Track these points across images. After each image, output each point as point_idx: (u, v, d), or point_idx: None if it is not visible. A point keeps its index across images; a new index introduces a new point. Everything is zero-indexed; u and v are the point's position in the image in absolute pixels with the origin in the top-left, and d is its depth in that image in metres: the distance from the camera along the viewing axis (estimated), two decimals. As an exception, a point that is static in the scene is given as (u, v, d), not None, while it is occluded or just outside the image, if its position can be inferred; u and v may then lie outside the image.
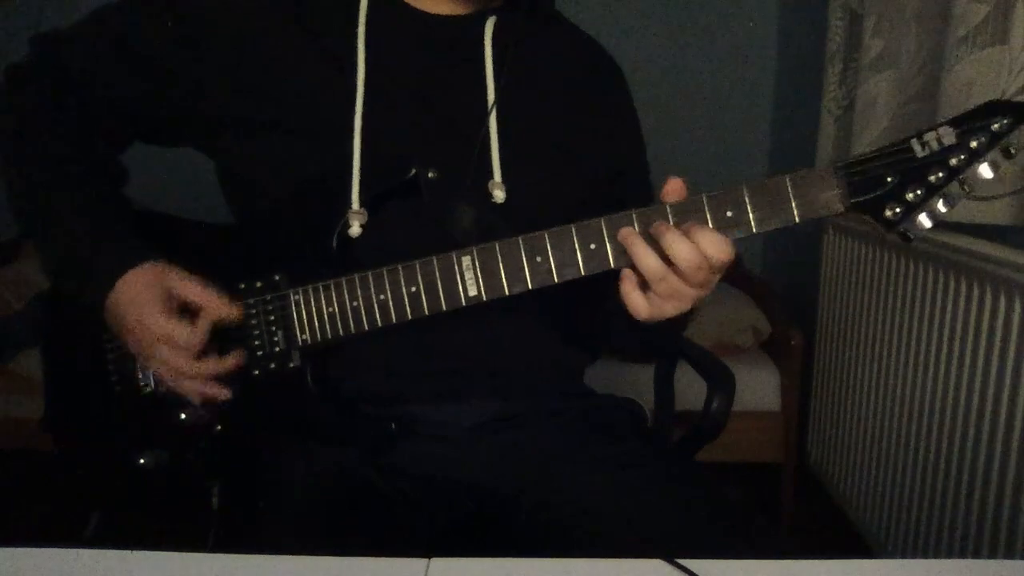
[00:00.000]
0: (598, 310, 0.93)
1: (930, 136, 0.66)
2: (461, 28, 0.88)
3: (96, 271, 0.82)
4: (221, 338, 0.82)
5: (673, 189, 0.70)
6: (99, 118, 0.89)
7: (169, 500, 0.90)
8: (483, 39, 0.87)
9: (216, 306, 0.81)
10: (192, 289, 0.81)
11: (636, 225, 0.71)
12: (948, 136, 0.66)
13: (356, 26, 0.84)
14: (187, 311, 0.81)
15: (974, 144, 0.65)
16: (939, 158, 0.66)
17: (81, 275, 0.83)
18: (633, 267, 0.70)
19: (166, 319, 0.79)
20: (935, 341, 1.49)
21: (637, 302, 0.70)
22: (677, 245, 0.66)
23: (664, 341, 0.91)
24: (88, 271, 0.82)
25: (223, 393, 0.83)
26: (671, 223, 0.69)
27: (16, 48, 0.91)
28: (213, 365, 0.81)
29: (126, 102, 0.88)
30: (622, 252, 0.71)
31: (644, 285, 0.70)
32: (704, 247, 0.66)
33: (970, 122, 0.65)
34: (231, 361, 0.82)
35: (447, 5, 0.88)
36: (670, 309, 0.70)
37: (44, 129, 0.87)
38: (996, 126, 0.64)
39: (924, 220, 0.68)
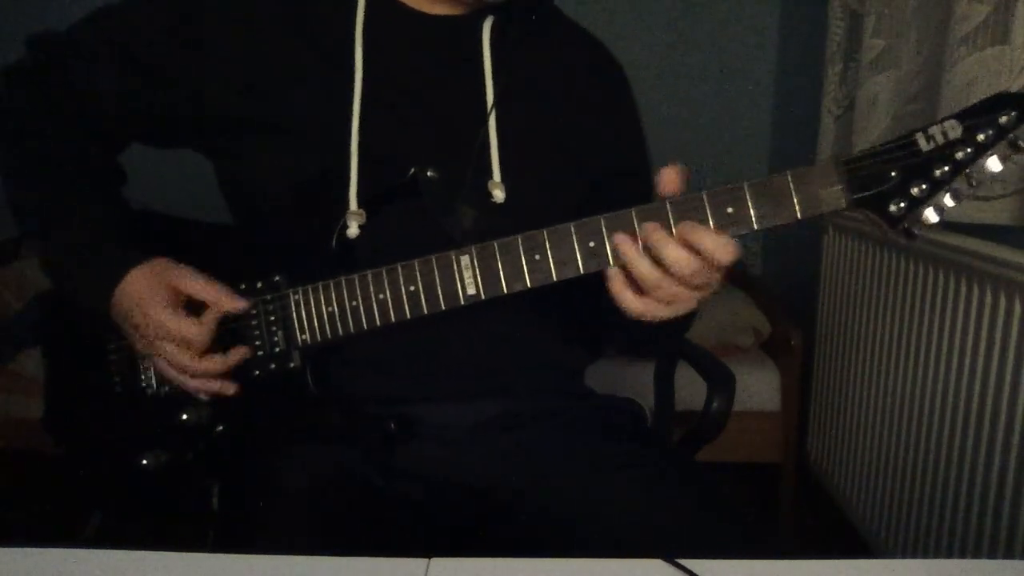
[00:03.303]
0: (597, 308, 0.93)
1: (935, 130, 0.65)
2: (459, 28, 0.88)
3: (99, 270, 0.82)
4: (221, 339, 0.82)
5: (669, 180, 0.68)
6: (97, 119, 0.89)
7: (169, 500, 0.90)
8: (481, 39, 0.87)
9: (221, 301, 0.80)
10: (197, 285, 0.81)
11: (636, 223, 0.70)
12: (954, 130, 0.64)
13: (353, 27, 0.84)
14: (192, 307, 0.81)
15: (981, 138, 0.63)
16: (944, 152, 0.64)
17: (83, 275, 0.83)
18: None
19: (171, 316, 0.79)
20: (935, 341, 1.48)
21: (630, 301, 0.69)
22: (670, 251, 0.65)
23: (663, 341, 0.90)
24: (90, 270, 0.82)
25: (229, 388, 0.82)
26: (671, 221, 0.68)
27: (14, 49, 0.91)
28: (218, 361, 0.81)
29: (125, 103, 0.88)
30: None
31: (637, 286, 0.69)
32: (706, 248, 0.65)
33: (977, 116, 0.64)
34: (235, 356, 0.82)
35: (444, 5, 0.87)
36: (668, 312, 0.69)
37: (42, 131, 0.87)
38: (1004, 119, 0.63)
39: (930, 215, 0.66)
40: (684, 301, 0.69)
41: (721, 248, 0.65)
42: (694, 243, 0.66)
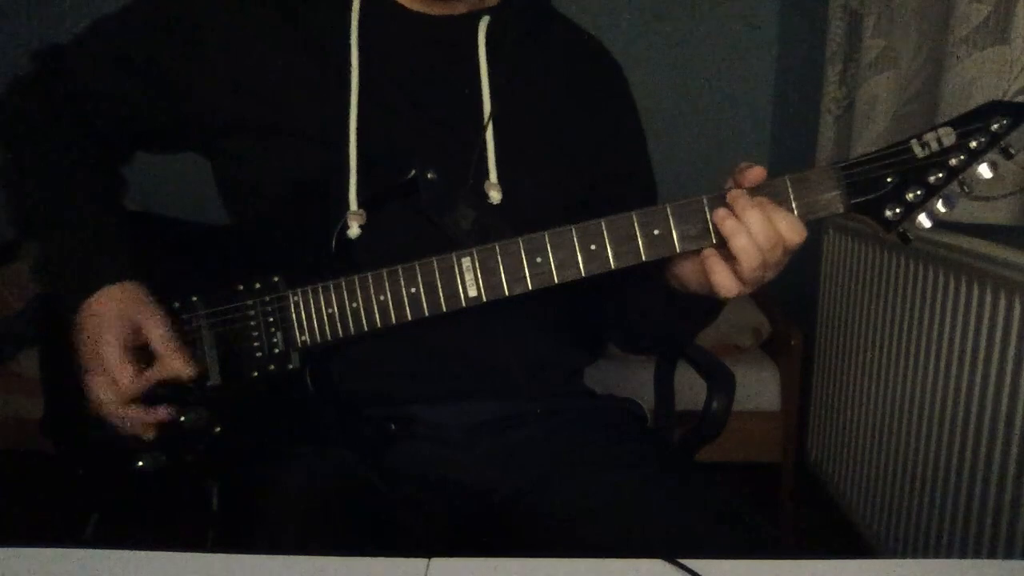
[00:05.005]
0: (604, 307, 0.93)
1: (930, 137, 0.67)
2: (455, 28, 0.88)
3: (83, 276, 0.81)
4: (220, 340, 0.82)
5: (756, 175, 0.70)
6: (101, 129, 0.89)
7: (169, 501, 0.90)
8: (477, 39, 0.87)
9: (171, 360, 0.79)
10: (156, 334, 0.80)
11: (637, 226, 0.71)
12: (948, 137, 0.66)
13: (348, 26, 0.84)
14: (145, 350, 0.81)
15: (974, 145, 0.66)
16: (939, 159, 0.67)
17: (65, 276, 0.83)
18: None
19: (115, 353, 0.78)
20: (935, 341, 1.49)
21: (727, 278, 0.70)
22: (758, 222, 0.67)
23: (690, 328, 0.91)
24: (71, 276, 0.82)
25: (147, 433, 0.82)
26: (672, 223, 0.69)
27: (20, 63, 0.92)
28: (137, 415, 0.80)
29: (128, 112, 0.89)
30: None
31: (730, 262, 0.70)
32: (779, 227, 0.67)
33: (970, 123, 0.66)
34: (158, 414, 0.81)
35: (440, 5, 0.87)
36: (748, 288, 0.72)
37: (45, 141, 0.88)
38: (996, 126, 0.65)
39: (924, 220, 0.69)
40: (764, 275, 0.71)
41: (795, 229, 0.68)
42: (772, 220, 0.68)
